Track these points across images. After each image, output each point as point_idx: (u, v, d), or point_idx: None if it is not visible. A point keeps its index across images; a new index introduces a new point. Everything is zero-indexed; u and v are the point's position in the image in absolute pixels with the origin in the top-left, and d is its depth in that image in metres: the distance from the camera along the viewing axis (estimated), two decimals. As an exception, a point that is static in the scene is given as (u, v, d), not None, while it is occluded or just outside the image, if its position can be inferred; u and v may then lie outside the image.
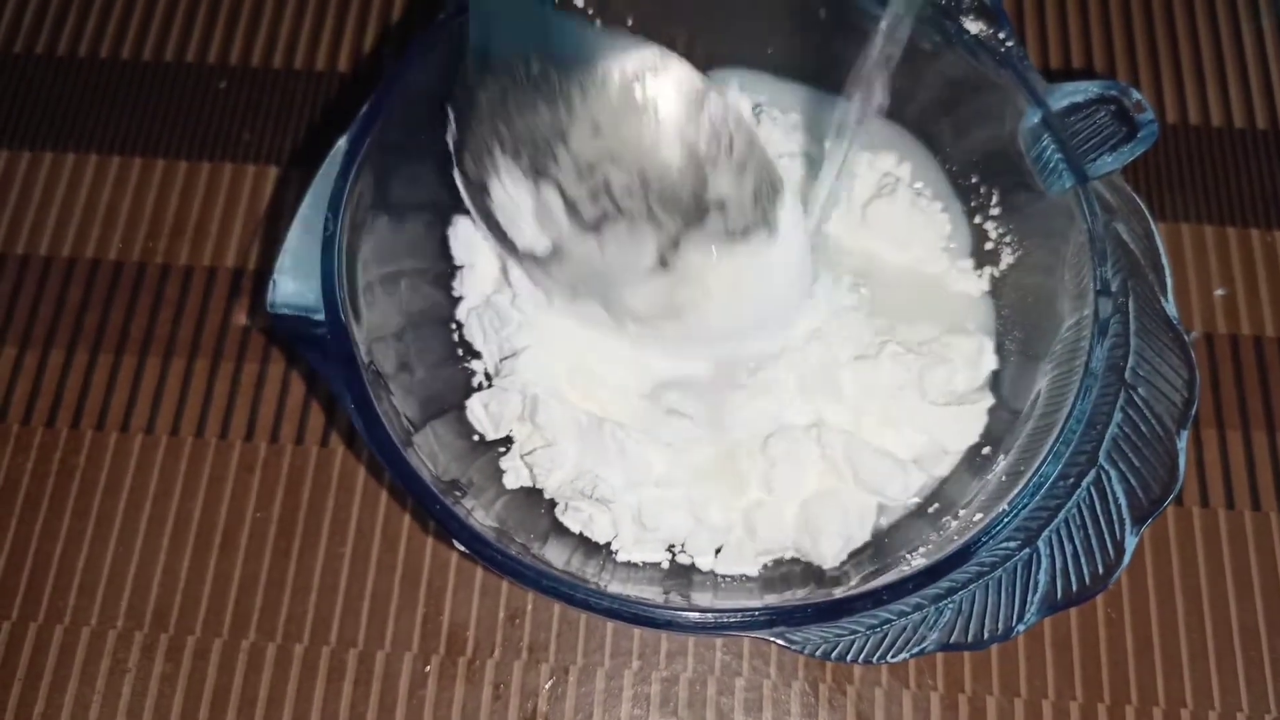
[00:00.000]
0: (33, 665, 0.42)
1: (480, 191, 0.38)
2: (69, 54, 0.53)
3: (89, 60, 0.53)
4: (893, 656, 0.34)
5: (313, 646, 0.42)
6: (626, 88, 0.34)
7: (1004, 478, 0.36)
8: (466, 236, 0.42)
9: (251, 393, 0.46)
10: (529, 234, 0.37)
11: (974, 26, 0.39)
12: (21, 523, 0.44)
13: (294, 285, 0.34)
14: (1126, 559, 0.34)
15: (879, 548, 0.38)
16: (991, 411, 0.40)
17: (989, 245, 0.43)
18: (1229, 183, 0.51)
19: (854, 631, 0.34)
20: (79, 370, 0.46)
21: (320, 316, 0.33)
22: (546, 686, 0.42)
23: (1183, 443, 0.35)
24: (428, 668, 0.42)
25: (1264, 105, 0.53)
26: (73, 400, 0.46)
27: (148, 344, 0.47)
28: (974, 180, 0.43)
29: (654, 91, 0.34)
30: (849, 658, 0.34)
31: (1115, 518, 0.35)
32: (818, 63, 0.44)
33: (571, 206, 0.36)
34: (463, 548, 0.32)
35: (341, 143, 0.35)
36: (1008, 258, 0.42)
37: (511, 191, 0.36)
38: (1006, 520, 0.33)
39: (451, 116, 0.37)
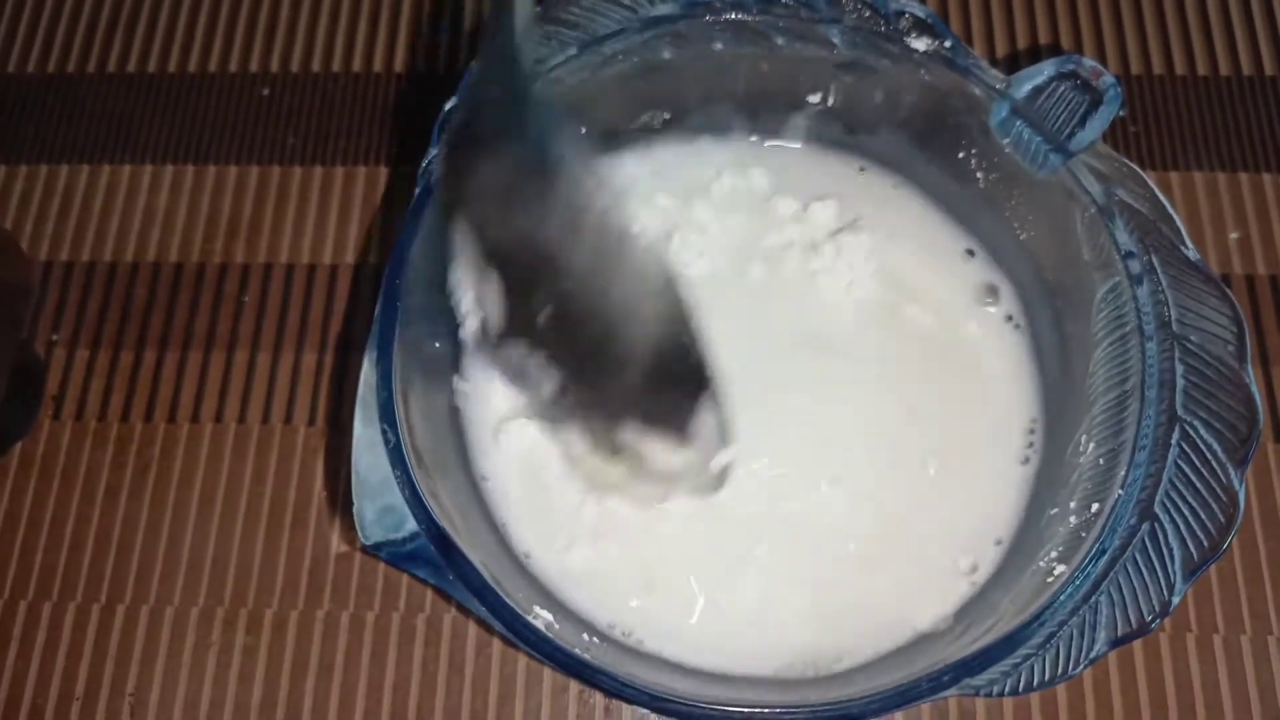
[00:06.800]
0: (122, 645, 0.45)
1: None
2: (119, 70, 0.56)
3: (138, 75, 0.56)
4: (1072, 670, 0.34)
5: (383, 613, 0.45)
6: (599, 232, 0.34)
7: (1100, 461, 0.37)
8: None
9: (312, 379, 0.49)
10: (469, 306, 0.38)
11: (920, 43, 0.40)
12: (104, 513, 0.47)
13: (377, 509, 0.34)
14: (1241, 501, 0.34)
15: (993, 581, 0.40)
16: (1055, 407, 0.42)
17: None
18: (1239, 130, 0.53)
19: (1028, 656, 0.34)
20: (148, 367, 0.49)
21: (412, 529, 0.33)
22: None
23: (1249, 376, 0.35)
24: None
25: (1270, 51, 0.54)
26: (144, 395, 0.49)
27: (211, 339, 0.50)
28: (962, 181, 0.44)
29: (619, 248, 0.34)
30: (1035, 685, 0.34)
31: (1216, 464, 0.35)
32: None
33: (508, 309, 0.36)
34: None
35: (369, 358, 0.35)
36: (1023, 254, 0.44)
37: (462, 262, 0.37)
38: (1125, 500, 0.34)
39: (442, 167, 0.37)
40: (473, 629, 0.44)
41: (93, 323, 0.50)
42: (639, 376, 0.35)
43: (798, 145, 0.47)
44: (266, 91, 0.55)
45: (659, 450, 0.37)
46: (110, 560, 0.46)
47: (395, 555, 0.33)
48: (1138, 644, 0.44)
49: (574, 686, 0.44)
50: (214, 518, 0.46)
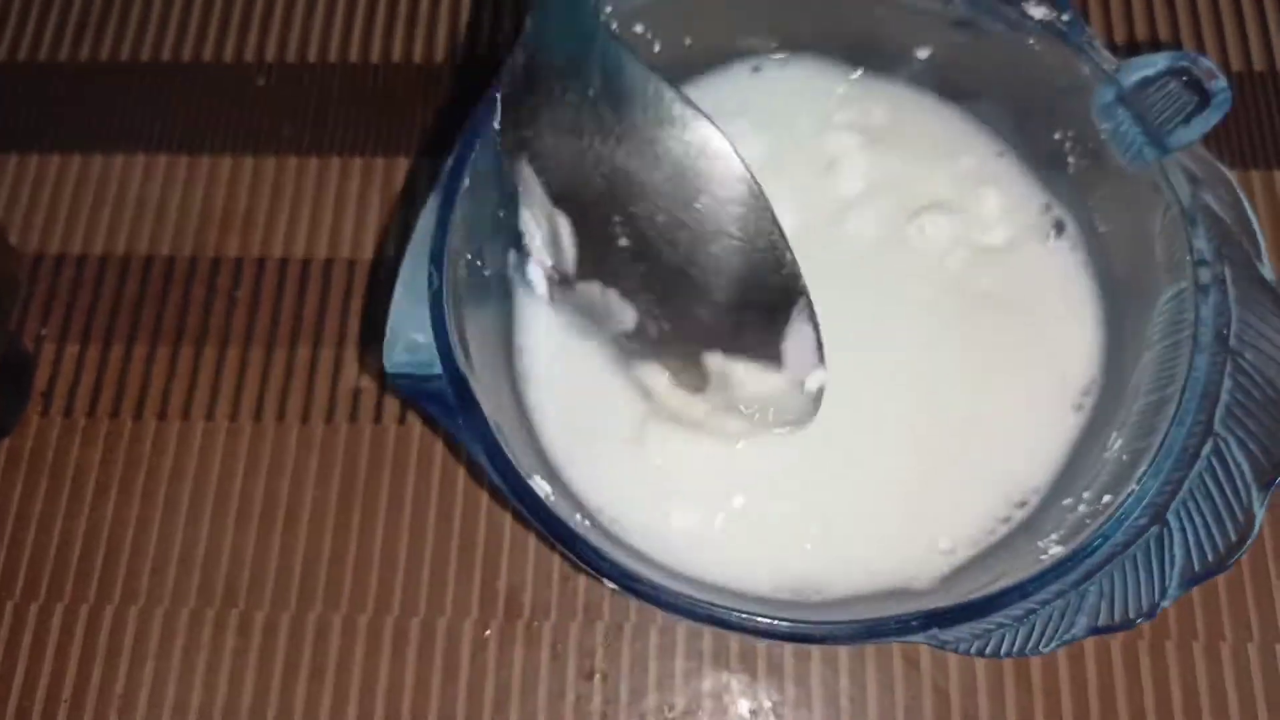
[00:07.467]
0: (111, 646, 0.44)
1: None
2: (111, 58, 0.55)
3: (130, 63, 0.55)
4: (1044, 646, 0.34)
5: (376, 616, 0.44)
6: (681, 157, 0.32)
7: (1124, 457, 0.36)
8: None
9: (306, 376, 0.48)
10: (540, 249, 0.37)
11: (1037, 11, 0.39)
12: (93, 510, 0.46)
13: (406, 344, 0.34)
14: (1258, 524, 0.34)
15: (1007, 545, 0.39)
16: (1101, 391, 0.41)
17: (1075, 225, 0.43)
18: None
19: (1002, 625, 0.34)
20: (139, 362, 0.48)
21: (436, 370, 0.33)
22: (602, 644, 0.43)
23: None
24: (487, 632, 0.43)
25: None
26: (135, 391, 0.48)
27: (203, 335, 0.49)
28: (1052, 163, 0.43)
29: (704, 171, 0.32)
30: (1002, 652, 0.34)
31: (1241, 484, 0.34)
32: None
33: (581, 248, 0.35)
34: (612, 585, 0.33)
35: (432, 199, 0.35)
36: (1095, 237, 0.43)
37: (529, 208, 0.36)
38: (1136, 498, 0.34)
39: (499, 103, 0.36)
40: (469, 633, 0.44)
41: (82, 317, 0.49)
42: (726, 295, 0.33)
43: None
44: (262, 81, 0.54)
45: (750, 375, 0.35)
46: (99, 559, 0.45)
47: (413, 389, 0.33)
48: (1143, 649, 0.43)
49: (570, 692, 0.43)
50: (205, 517, 0.46)
